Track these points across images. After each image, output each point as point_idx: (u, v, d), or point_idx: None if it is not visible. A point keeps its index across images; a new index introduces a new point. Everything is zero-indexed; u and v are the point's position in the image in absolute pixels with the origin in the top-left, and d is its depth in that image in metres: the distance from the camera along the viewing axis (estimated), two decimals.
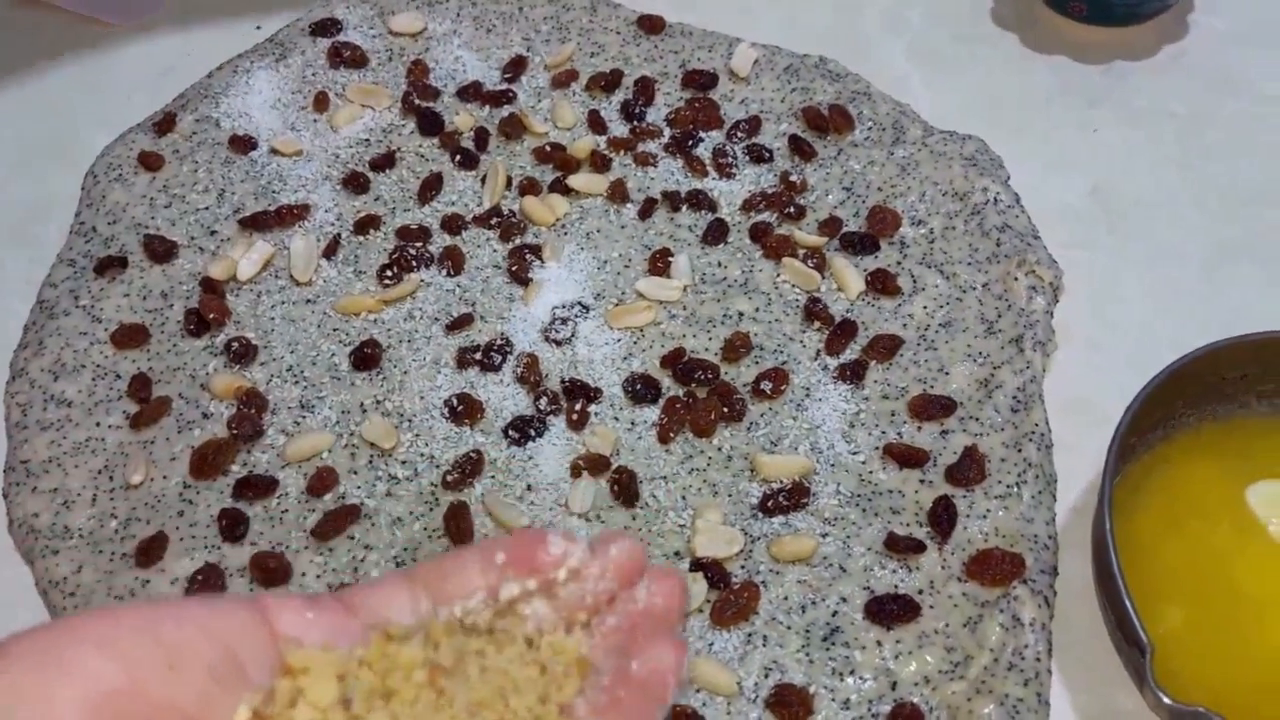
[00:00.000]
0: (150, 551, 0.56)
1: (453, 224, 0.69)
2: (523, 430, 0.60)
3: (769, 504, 0.57)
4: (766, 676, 0.52)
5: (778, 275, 0.66)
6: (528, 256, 0.67)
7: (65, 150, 0.74)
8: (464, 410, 0.61)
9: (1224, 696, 0.46)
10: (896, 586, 0.54)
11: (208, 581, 0.54)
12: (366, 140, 0.73)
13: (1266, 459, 0.55)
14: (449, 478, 0.58)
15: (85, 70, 0.80)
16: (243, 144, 0.73)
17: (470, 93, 0.76)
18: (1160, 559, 0.52)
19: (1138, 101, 0.76)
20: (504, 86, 0.76)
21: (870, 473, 0.58)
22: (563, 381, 0.62)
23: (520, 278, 0.66)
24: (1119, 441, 0.51)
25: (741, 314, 0.65)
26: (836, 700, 0.51)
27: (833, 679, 0.51)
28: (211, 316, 0.64)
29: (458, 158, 0.72)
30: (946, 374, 0.61)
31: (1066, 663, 0.53)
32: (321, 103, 0.75)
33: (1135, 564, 0.51)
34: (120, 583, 0.55)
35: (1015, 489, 0.56)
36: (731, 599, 0.53)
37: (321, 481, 0.58)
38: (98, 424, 0.61)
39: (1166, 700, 0.45)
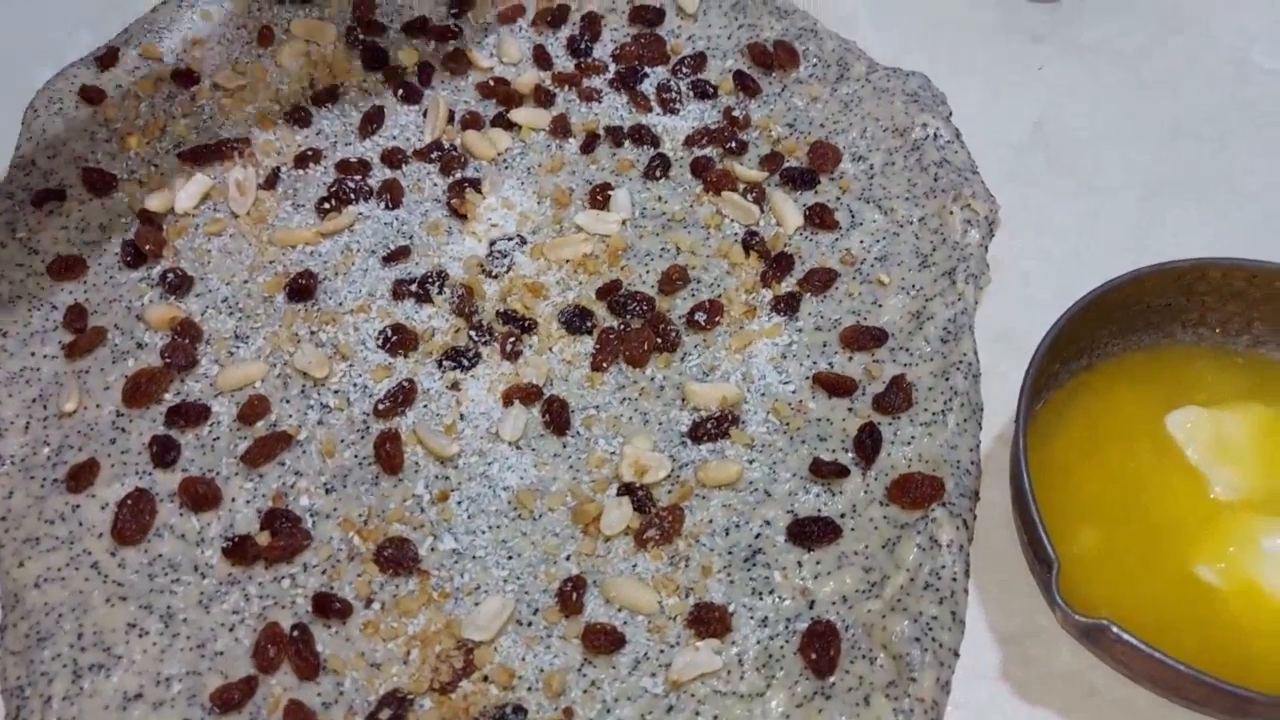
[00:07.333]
0: (81, 477, 0.56)
1: (393, 158, 0.69)
2: (456, 360, 0.60)
3: (698, 431, 0.57)
4: (687, 596, 0.52)
5: (717, 210, 0.66)
6: (467, 190, 0.67)
7: (6, 85, 0.74)
8: (398, 341, 0.61)
9: (1133, 615, 0.47)
10: (820, 510, 0.54)
11: (137, 505, 0.55)
12: (310, 75, 0.73)
13: (1189, 386, 0.56)
14: (380, 406, 0.58)
15: (30, 5, 0.79)
16: (185, 79, 0.72)
17: (416, 28, 0.75)
18: (1078, 482, 0.53)
19: (1084, 39, 0.76)
20: (450, 22, 0.76)
21: (800, 401, 0.58)
22: (498, 313, 0.62)
23: (459, 211, 0.66)
24: (1037, 366, 0.52)
25: (679, 248, 0.65)
26: (755, 618, 0.51)
27: (752, 598, 0.52)
28: (148, 248, 0.64)
29: (400, 92, 0.72)
30: (880, 306, 0.62)
31: (986, 585, 0.53)
32: (265, 38, 0.74)
33: (1053, 486, 0.52)
34: (50, 507, 0.55)
35: (941, 416, 0.57)
36: (656, 522, 0.54)
37: (253, 409, 0.58)
38: (32, 354, 0.61)
39: (1070, 614, 0.45)
